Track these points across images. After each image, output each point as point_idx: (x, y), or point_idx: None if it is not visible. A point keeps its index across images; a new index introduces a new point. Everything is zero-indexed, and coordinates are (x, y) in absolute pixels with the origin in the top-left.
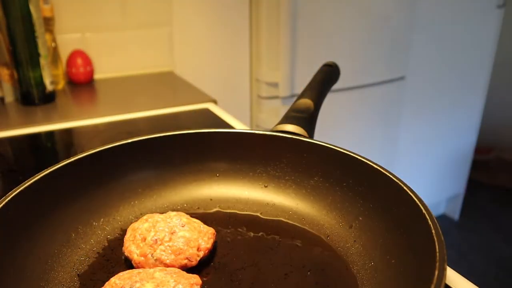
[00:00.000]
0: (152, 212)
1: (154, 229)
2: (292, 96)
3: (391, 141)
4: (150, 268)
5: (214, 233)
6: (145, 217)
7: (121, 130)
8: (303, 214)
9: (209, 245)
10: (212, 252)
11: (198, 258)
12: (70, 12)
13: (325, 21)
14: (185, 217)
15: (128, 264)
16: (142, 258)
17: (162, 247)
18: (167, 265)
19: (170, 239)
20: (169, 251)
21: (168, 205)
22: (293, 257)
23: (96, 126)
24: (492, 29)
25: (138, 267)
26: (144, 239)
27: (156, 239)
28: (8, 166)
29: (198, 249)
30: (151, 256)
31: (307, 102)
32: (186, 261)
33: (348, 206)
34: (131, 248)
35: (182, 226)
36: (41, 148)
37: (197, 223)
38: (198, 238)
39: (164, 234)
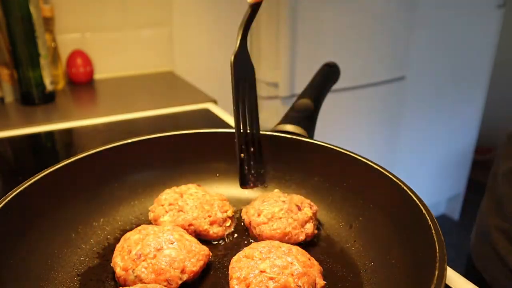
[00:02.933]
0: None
1: (142, 242)
2: (292, 96)
3: (391, 141)
4: (130, 285)
5: (206, 255)
6: (140, 227)
7: (121, 130)
8: None
9: (195, 268)
10: (205, 272)
11: (180, 282)
12: (70, 12)
13: (325, 21)
14: (178, 233)
15: None
16: (124, 272)
17: (144, 263)
18: (146, 284)
19: (155, 256)
20: (150, 270)
21: None
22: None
23: (96, 126)
24: (492, 29)
25: (119, 281)
26: (130, 252)
27: (140, 254)
28: (8, 166)
29: (182, 271)
30: (132, 272)
31: (307, 102)
32: (165, 283)
33: (348, 206)
34: (117, 260)
35: (171, 243)
36: (41, 148)
37: (191, 241)
38: (185, 259)
39: (150, 249)
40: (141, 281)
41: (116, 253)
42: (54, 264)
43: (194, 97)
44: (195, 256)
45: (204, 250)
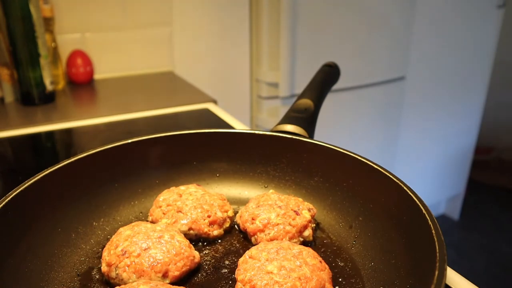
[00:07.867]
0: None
1: (131, 238)
2: (292, 96)
3: (391, 141)
4: (112, 282)
5: (195, 261)
6: (134, 223)
7: (121, 130)
8: None
9: (178, 272)
10: (206, 272)
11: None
12: (70, 12)
13: (325, 21)
14: (169, 234)
15: None
16: (107, 268)
17: (127, 261)
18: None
19: (139, 255)
20: (132, 269)
21: None
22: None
23: (96, 126)
24: (492, 29)
25: (105, 276)
26: (117, 247)
27: (125, 251)
28: (8, 166)
29: (165, 275)
30: (115, 268)
31: (307, 102)
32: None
33: (348, 206)
34: (104, 254)
35: (159, 244)
36: (41, 148)
37: (183, 242)
38: (170, 262)
39: (135, 248)
40: (121, 280)
41: (106, 246)
42: (54, 264)
43: (194, 97)
44: (181, 260)
45: (194, 256)
